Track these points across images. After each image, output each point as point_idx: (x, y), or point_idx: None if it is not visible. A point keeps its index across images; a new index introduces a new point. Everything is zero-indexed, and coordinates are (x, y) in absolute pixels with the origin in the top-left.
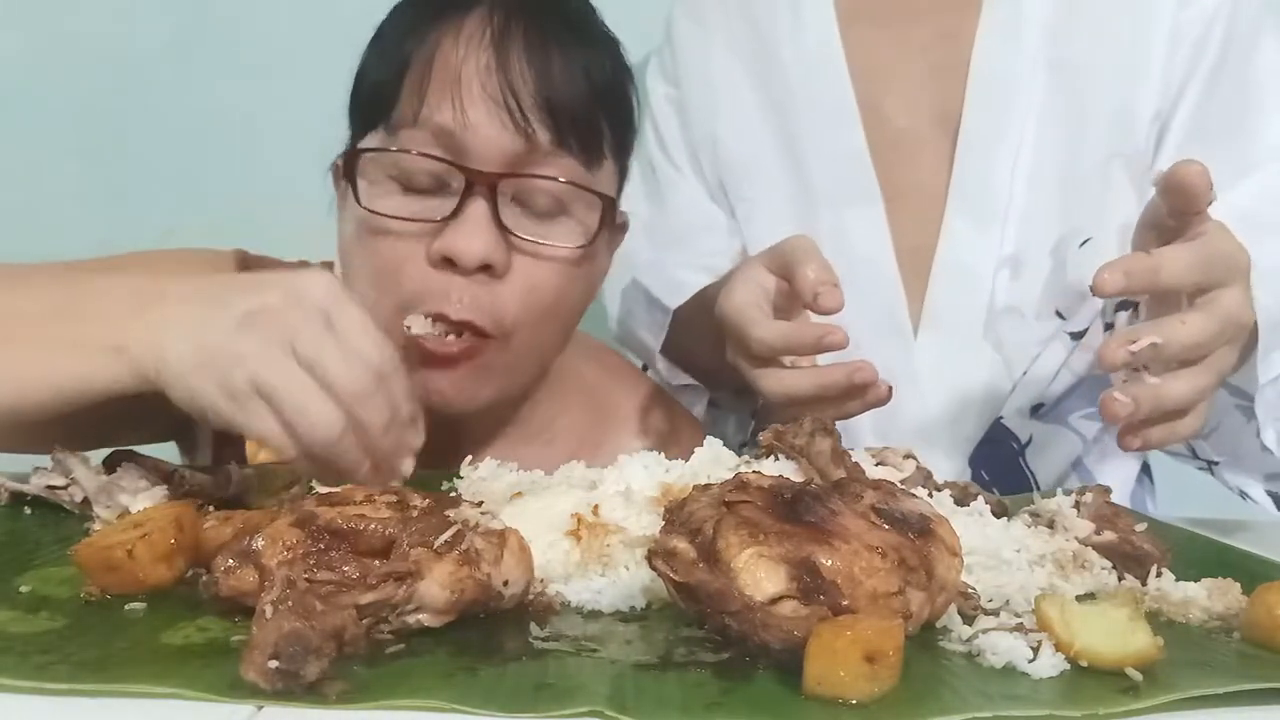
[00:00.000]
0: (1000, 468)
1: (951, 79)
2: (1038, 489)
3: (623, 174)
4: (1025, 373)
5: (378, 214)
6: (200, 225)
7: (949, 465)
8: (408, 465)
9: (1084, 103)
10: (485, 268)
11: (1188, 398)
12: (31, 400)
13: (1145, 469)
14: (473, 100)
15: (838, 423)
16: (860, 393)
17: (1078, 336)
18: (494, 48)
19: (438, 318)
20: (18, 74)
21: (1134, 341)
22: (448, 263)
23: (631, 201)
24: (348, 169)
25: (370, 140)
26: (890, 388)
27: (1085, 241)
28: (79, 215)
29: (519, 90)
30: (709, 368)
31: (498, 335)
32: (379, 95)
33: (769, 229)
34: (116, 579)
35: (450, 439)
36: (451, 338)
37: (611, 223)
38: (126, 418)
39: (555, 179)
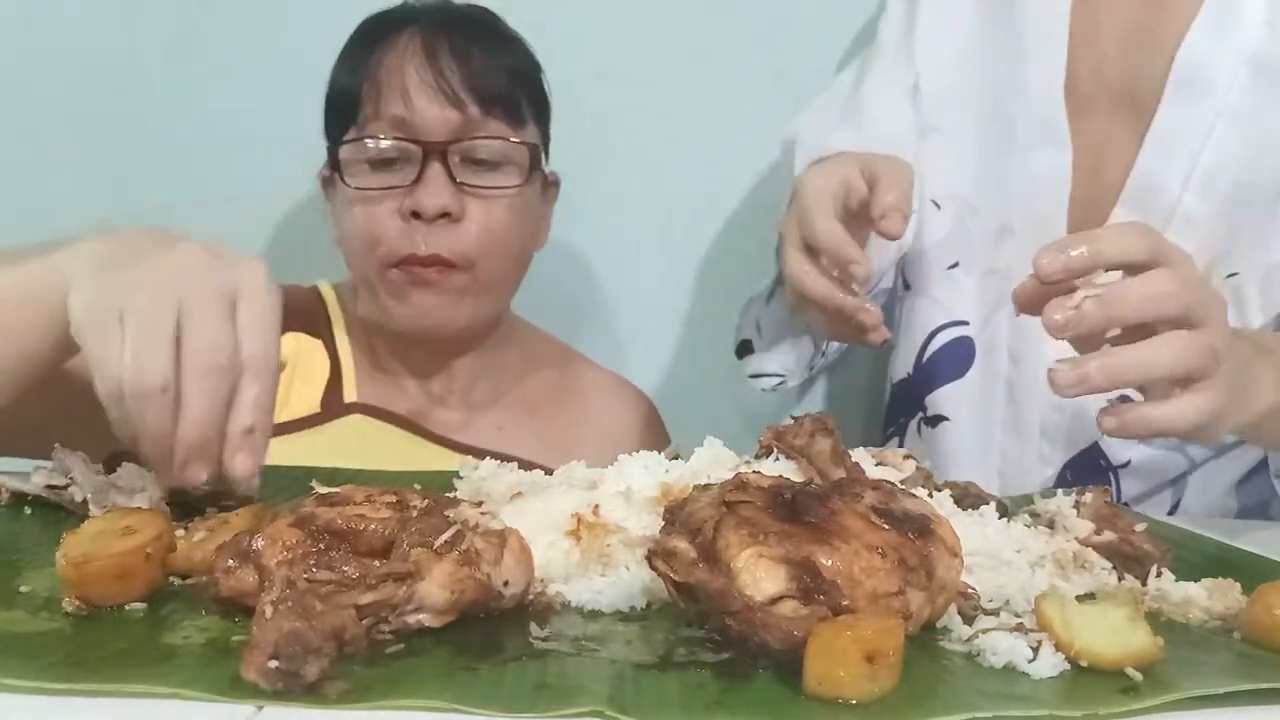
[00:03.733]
0: (1086, 473)
1: (1149, 50)
2: (1121, 501)
3: (545, 139)
4: None
5: (360, 189)
6: (200, 226)
7: (1052, 451)
8: (199, 472)
9: (1276, 114)
10: (445, 215)
11: (1156, 363)
12: None
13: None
14: (415, 90)
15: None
16: (860, 329)
17: None
18: (424, 51)
19: (408, 260)
20: (18, 74)
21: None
22: (416, 216)
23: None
24: (334, 160)
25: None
26: (887, 340)
27: (1231, 275)
28: (79, 216)
29: (448, 76)
30: None
31: (463, 266)
32: (346, 104)
33: (956, 166)
34: (97, 592)
35: (443, 384)
36: (430, 271)
37: (539, 165)
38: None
39: (488, 137)
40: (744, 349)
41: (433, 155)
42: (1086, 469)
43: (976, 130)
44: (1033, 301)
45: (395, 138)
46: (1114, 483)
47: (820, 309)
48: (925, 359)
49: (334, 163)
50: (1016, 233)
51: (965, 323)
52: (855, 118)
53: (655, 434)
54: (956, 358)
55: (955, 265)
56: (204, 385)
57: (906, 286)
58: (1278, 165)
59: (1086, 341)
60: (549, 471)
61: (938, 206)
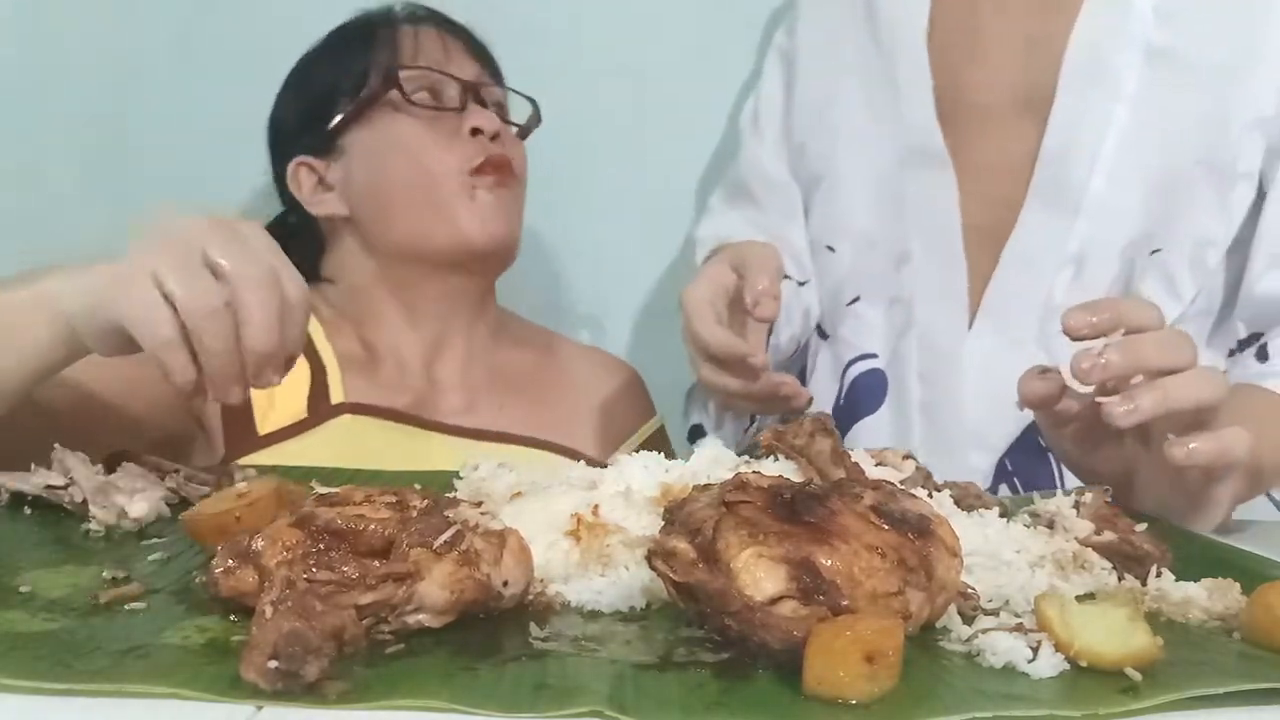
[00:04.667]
0: (1031, 466)
1: (1045, 55)
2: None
3: None
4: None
5: (426, 106)
6: None
7: (981, 459)
8: (273, 377)
9: (1180, 99)
10: (496, 137)
11: (1196, 389)
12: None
13: None
14: (450, 45)
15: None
16: (784, 403)
17: None
18: (439, 24)
19: (484, 165)
20: (18, 75)
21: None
22: (476, 132)
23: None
24: (388, 88)
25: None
26: (811, 398)
27: (1155, 251)
28: (79, 216)
29: (467, 40)
30: None
31: (520, 176)
32: (361, 68)
33: (850, 207)
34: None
35: (446, 366)
36: (503, 173)
37: (540, 119)
38: (120, 422)
39: (504, 86)
40: (695, 433)
41: (470, 91)
42: (1025, 455)
43: (867, 168)
44: (1035, 398)
45: (442, 73)
46: (1055, 464)
47: (744, 397)
48: (843, 398)
49: (386, 89)
50: (914, 257)
51: (874, 355)
52: (744, 200)
53: (641, 399)
54: (870, 391)
55: (857, 299)
56: (259, 296)
57: (823, 336)
58: (1186, 148)
59: (1050, 413)
60: (556, 448)
61: (831, 250)
